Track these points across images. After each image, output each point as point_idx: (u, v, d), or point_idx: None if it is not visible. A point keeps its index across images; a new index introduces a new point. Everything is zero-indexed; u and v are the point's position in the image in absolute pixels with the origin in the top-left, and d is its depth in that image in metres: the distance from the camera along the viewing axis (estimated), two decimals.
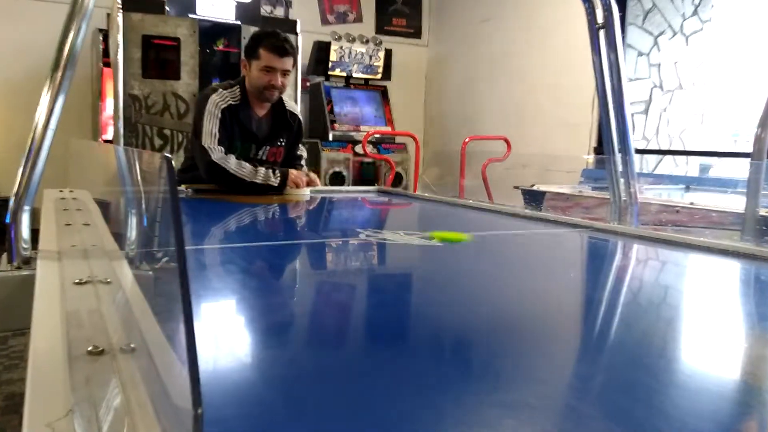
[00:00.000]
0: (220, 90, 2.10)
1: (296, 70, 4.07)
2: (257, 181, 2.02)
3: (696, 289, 1.06)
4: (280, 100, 2.23)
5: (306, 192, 2.11)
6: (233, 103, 2.09)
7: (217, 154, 2.00)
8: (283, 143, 2.26)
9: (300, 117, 2.36)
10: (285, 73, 2.09)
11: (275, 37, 2.10)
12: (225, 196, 2.00)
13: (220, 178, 2.01)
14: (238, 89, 2.11)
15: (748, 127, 4.42)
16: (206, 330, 0.64)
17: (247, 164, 2.05)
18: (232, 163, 2.01)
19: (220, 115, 2.03)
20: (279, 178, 2.06)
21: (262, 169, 2.06)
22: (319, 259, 1.19)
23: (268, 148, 2.21)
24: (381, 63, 4.98)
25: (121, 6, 3.36)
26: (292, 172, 2.10)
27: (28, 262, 0.92)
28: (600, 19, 1.46)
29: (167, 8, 3.68)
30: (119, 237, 0.73)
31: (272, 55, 2.05)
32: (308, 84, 4.93)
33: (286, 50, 2.08)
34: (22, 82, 3.99)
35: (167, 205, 0.35)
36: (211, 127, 2.02)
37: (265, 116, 2.19)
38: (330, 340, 0.67)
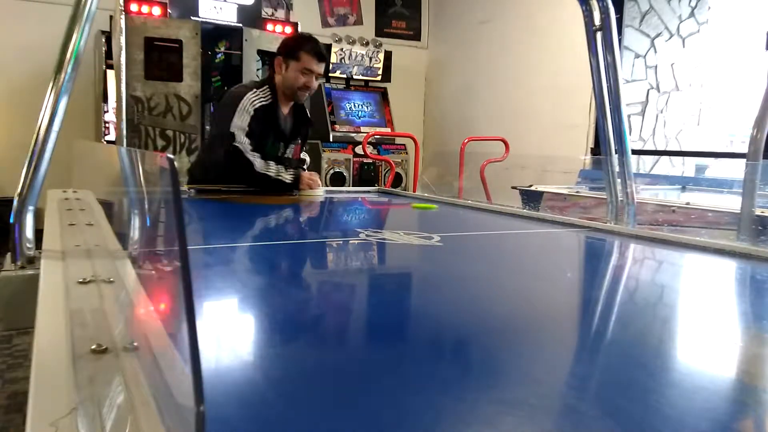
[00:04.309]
0: (254, 89, 2.15)
1: None
2: (270, 173, 2.07)
3: (692, 289, 1.07)
4: (300, 106, 2.31)
5: (321, 192, 2.17)
6: (264, 103, 2.14)
7: (239, 139, 2.05)
8: (300, 141, 2.34)
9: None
10: (318, 76, 2.20)
11: (315, 42, 2.21)
12: (227, 196, 2.01)
13: (238, 166, 2.05)
14: (268, 89, 2.16)
15: (743, 128, 4.42)
16: (208, 329, 0.65)
17: (260, 157, 2.08)
18: (249, 153, 2.06)
19: (252, 113, 2.09)
20: (292, 177, 2.11)
21: (272, 164, 2.10)
22: (320, 259, 1.20)
23: (292, 145, 2.29)
24: (381, 65, 4.99)
25: (123, 8, 3.36)
26: (306, 173, 2.16)
27: (32, 261, 0.93)
28: (597, 21, 1.47)
29: (169, 11, 3.69)
30: (122, 237, 0.73)
31: (312, 59, 2.14)
32: None
33: (324, 56, 2.21)
34: (26, 83, 4.00)
35: (170, 205, 0.36)
36: (241, 122, 2.07)
37: (289, 114, 2.26)
38: (331, 339, 0.68)
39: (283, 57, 2.17)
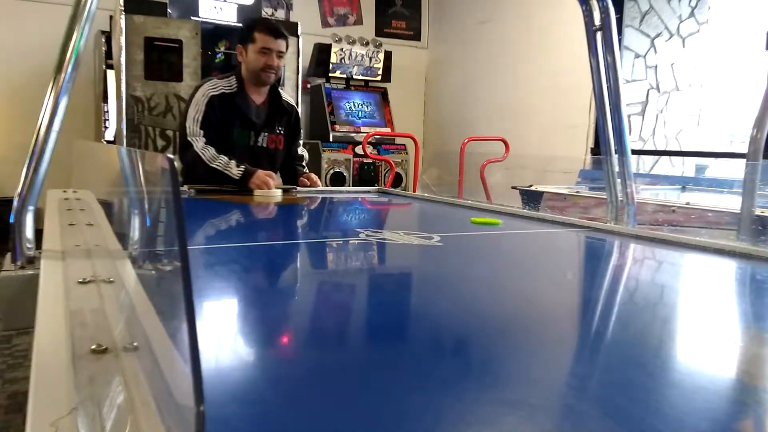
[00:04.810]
0: (215, 80, 2.17)
1: (297, 71, 4.09)
2: (216, 166, 2.04)
3: (692, 289, 1.07)
4: (276, 90, 2.28)
5: (277, 194, 2.05)
6: (227, 91, 2.13)
7: (192, 132, 2.06)
8: (281, 131, 2.29)
9: (297, 110, 2.41)
10: (280, 54, 2.17)
11: (268, 21, 2.23)
12: (227, 196, 2.01)
13: (189, 158, 2.06)
14: (234, 78, 2.17)
15: (743, 128, 4.42)
16: (208, 328, 0.65)
17: (213, 150, 2.07)
18: (199, 145, 2.06)
19: (206, 101, 2.09)
20: (241, 172, 2.05)
21: (224, 157, 2.07)
22: (320, 259, 1.20)
23: (267, 134, 2.24)
24: (381, 65, 4.99)
25: (123, 8, 3.37)
26: (262, 172, 2.07)
27: (32, 261, 0.93)
28: (597, 21, 1.47)
29: (169, 10, 3.69)
30: (122, 237, 0.73)
31: (267, 37, 2.13)
32: (309, 86, 4.94)
33: (280, 32, 2.17)
34: (26, 83, 4.00)
35: (170, 205, 0.36)
36: (195, 113, 2.08)
37: (263, 104, 2.24)
38: (331, 339, 0.68)
39: (241, 44, 2.18)
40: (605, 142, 1.53)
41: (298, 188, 2.28)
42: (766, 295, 1.02)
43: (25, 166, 0.95)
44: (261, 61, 2.13)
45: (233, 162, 2.06)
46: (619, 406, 0.49)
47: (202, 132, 2.07)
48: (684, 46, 4.32)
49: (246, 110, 2.17)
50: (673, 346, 0.71)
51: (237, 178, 2.04)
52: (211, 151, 2.07)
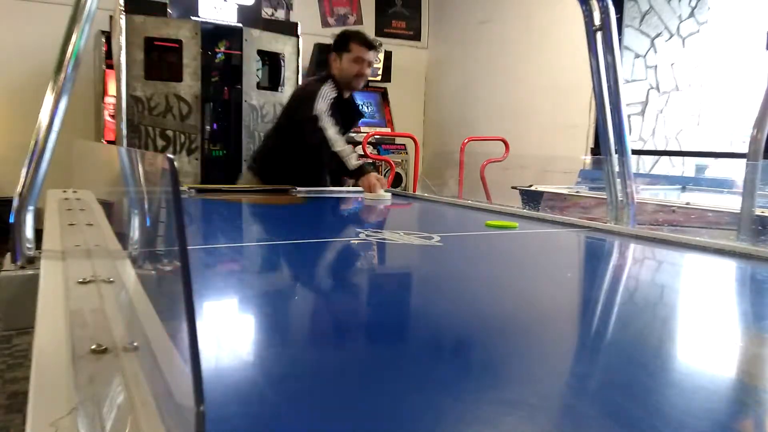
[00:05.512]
0: (330, 82, 2.36)
1: (297, 72, 4.09)
2: (338, 152, 2.19)
3: (692, 289, 1.07)
4: (353, 96, 2.52)
5: (386, 197, 2.19)
6: (335, 94, 2.34)
7: (322, 119, 2.21)
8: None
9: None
10: (370, 64, 2.40)
11: (364, 34, 2.47)
12: (227, 196, 2.01)
13: (317, 139, 2.20)
14: (333, 82, 2.36)
15: (744, 128, 4.42)
16: (208, 328, 0.65)
17: (343, 140, 2.23)
18: (331, 132, 2.21)
19: (332, 99, 2.29)
20: (357, 166, 2.22)
21: (349, 147, 2.26)
22: (320, 259, 1.20)
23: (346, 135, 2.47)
24: (381, 65, 4.99)
25: (123, 8, 3.36)
26: (374, 175, 2.25)
27: (32, 261, 0.93)
28: (597, 21, 1.47)
29: (169, 10, 3.69)
30: (122, 237, 0.73)
31: (363, 48, 2.36)
32: None
33: (373, 44, 2.42)
34: (26, 83, 4.00)
35: (170, 205, 0.36)
36: (326, 106, 2.25)
37: (346, 106, 2.47)
38: (330, 339, 0.68)
39: (335, 52, 2.41)
40: (605, 142, 1.53)
41: (298, 188, 2.28)
42: (766, 295, 1.02)
43: (25, 166, 0.95)
44: (355, 69, 2.35)
45: (355, 155, 2.24)
46: (620, 405, 0.49)
47: (332, 121, 2.22)
48: (684, 46, 4.32)
49: (343, 113, 2.39)
50: (673, 346, 0.71)
51: (351, 168, 2.20)
52: (342, 140, 2.24)
